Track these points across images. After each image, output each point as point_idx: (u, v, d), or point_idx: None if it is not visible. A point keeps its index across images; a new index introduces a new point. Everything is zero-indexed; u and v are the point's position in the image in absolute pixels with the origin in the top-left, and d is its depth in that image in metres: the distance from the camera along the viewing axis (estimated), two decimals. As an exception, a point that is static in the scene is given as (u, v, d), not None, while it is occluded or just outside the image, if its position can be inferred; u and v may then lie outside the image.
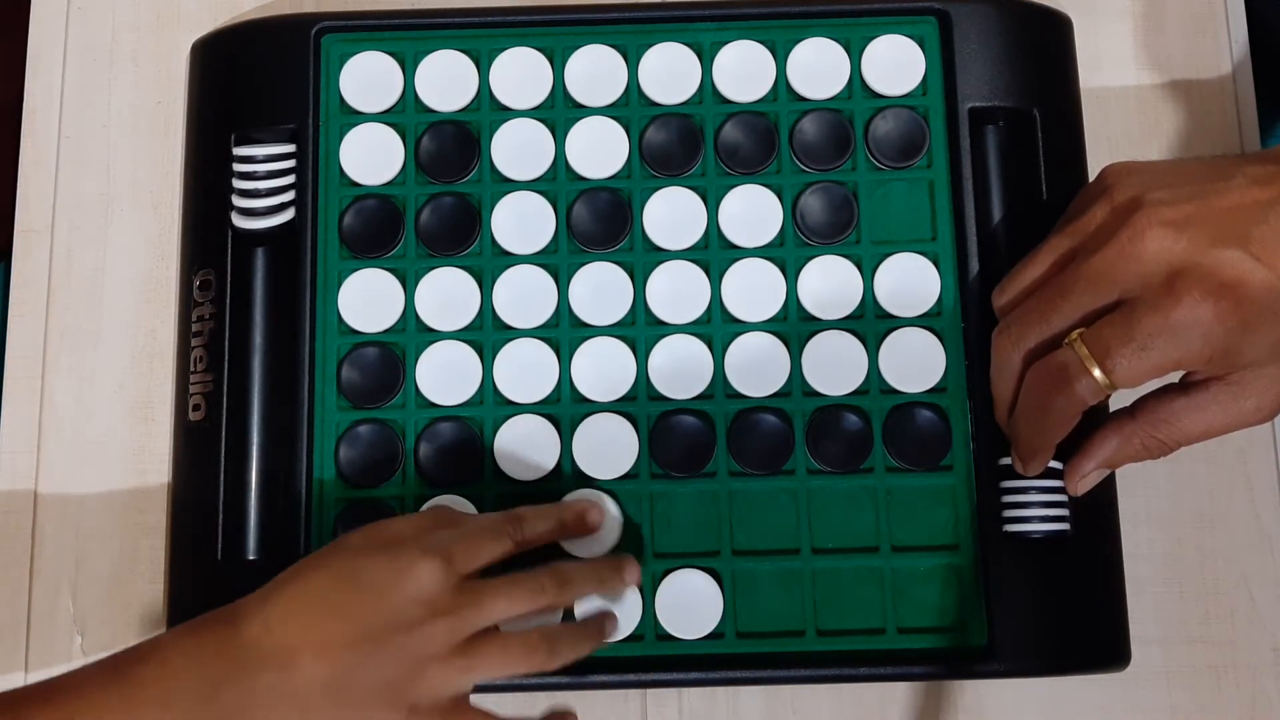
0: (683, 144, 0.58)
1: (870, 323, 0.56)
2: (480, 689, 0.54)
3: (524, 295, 0.57)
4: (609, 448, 0.56)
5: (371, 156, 0.58)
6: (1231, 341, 0.46)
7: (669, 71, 0.58)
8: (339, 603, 0.46)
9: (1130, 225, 0.47)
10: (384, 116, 0.59)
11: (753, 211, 0.57)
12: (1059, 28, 0.60)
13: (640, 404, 0.56)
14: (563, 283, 0.57)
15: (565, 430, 0.56)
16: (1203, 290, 0.45)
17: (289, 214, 0.57)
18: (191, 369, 0.57)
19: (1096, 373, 0.47)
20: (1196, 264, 0.46)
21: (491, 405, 0.56)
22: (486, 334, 0.57)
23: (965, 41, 0.58)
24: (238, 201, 0.57)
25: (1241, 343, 0.46)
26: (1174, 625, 0.57)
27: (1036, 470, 0.53)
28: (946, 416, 0.56)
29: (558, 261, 0.57)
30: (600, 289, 0.57)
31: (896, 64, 0.58)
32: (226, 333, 0.57)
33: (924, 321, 0.56)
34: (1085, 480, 0.52)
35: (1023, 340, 0.50)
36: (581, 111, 0.58)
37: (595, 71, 0.59)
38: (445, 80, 0.59)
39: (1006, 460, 0.55)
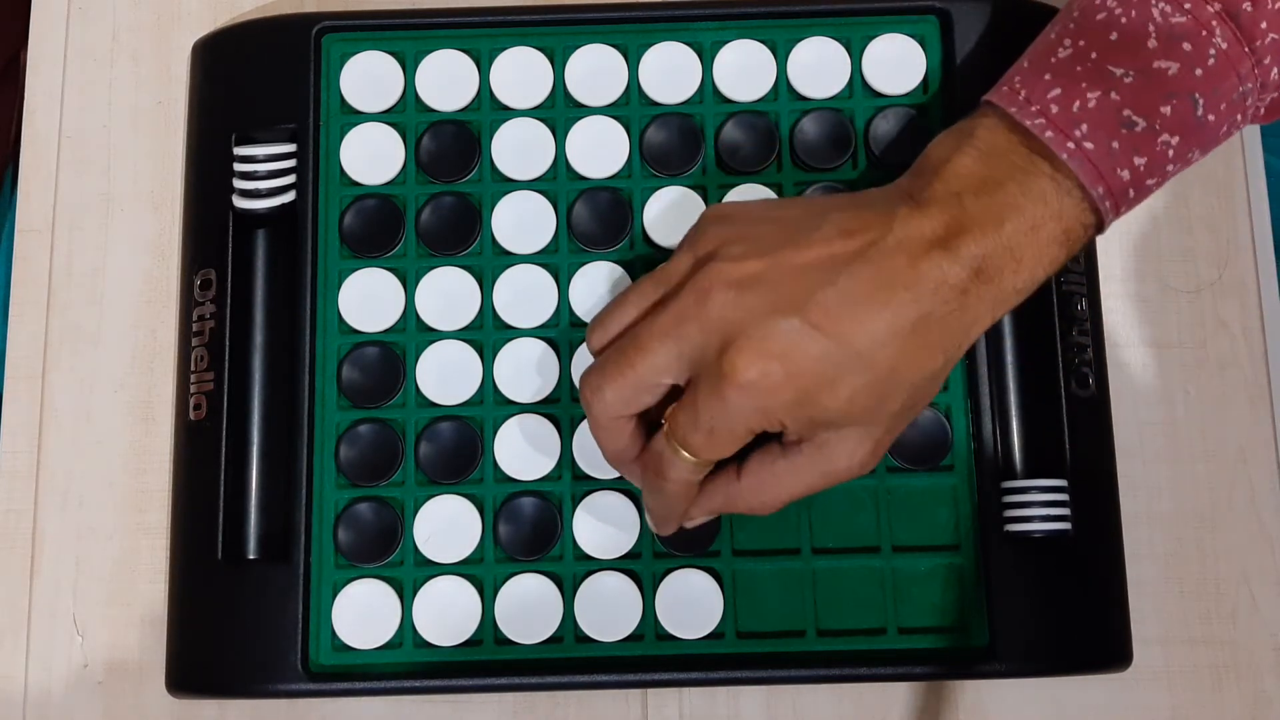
0: (683, 143, 0.58)
1: (871, 322, 0.56)
2: (477, 689, 0.54)
3: (524, 295, 0.57)
4: (609, 447, 0.55)
5: (372, 156, 0.58)
6: (795, 411, 0.45)
7: (669, 71, 0.58)
8: None
9: (695, 285, 0.46)
10: (384, 116, 0.59)
11: (753, 211, 0.57)
12: (1060, 27, 0.60)
13: (640, 404, 0.56)
14: (563, 282, 0.57)
15: (565, 429, 0.56)
16: (752, 361, 0.44)
17: (290, 195, 0.57)
18: (192, 368, 0.57)
19: (686, 455, 0.47)
20: (748, 336, 0.45)
21: (491, 405, 0.56)
22: (486, 334, 0.57)
23: (966, 40, 0.58)
24: (239, 185, 0.57)
25: (807, 411, 0.45)
26: (1175, 625, 0.57)
27: (669, 532, 0.52)
28: (947, 416, 0.56)
29: (558, 261, 0.57)
30: (601, 288, 0.57)
31: (897, 63, 0.58)
32: (227, 332, 0.57)
33: (924, 321, 0.56)
34: (694, 522, 0.52)
35: (602, 390, 0.48)
36: (581, 111, 0.58)
37: (595, 71, 0.59)
38: (445, 80, 0.59)
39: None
